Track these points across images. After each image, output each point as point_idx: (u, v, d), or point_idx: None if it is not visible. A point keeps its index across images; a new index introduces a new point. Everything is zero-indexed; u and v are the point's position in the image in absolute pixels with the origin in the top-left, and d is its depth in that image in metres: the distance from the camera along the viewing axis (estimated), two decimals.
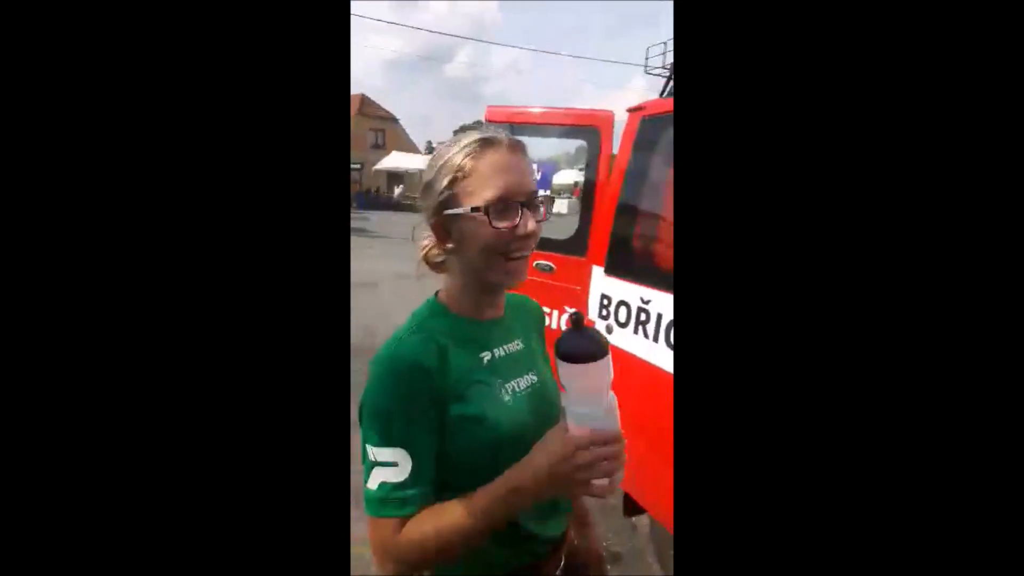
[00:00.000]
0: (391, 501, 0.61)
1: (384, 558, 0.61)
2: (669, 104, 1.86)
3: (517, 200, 0.64)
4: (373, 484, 0.61)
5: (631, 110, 2.04)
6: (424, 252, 0.74)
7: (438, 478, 0.64)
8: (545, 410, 0.72)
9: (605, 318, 1.95)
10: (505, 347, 0.73)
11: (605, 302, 1.96)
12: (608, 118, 2.39)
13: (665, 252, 1.78)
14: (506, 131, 0.68)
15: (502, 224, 0.63)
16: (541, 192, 0.71)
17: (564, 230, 2.58)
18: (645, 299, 1.75)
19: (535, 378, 0.74)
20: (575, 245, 2.43)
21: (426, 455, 0.62)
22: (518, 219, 0.64)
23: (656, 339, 1.68)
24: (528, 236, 0.65)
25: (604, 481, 0.57)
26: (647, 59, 2.16)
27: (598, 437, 0.56)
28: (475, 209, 0.63)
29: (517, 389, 0.71)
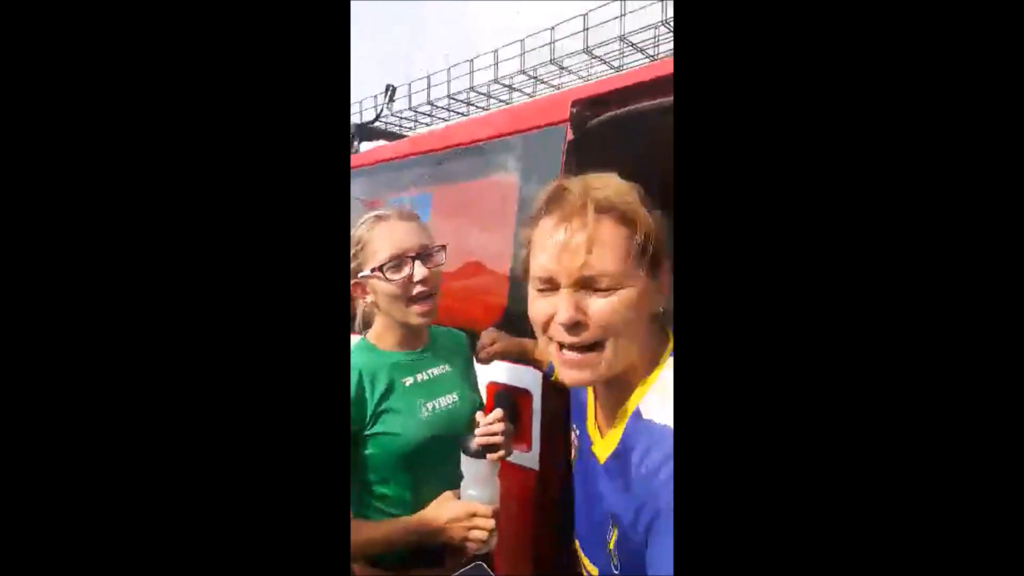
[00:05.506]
0: None
1: None
2: None
3: (408, 255, 0.83)
4: None
5: None
6: (362, 309, 0.91)
7: (359, 478, 0.84)
8: (457, 426, 0.88)
9: None
10: (429, 372, 0.91)
11: None
12: None
13: None
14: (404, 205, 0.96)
15: (397, 277, 0.82)
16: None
17: None
18: None
19: (455, 398, 0.91)
20: None
21: None
22: (410, 270, 0.83)
23: None
24: (422, 281, 0.83)
25: (480, 542, 0.75)
26: None
27: (484, 511, 0.75)
28: (374, 269, 0.83)
29: (438, 407, 0.88)
